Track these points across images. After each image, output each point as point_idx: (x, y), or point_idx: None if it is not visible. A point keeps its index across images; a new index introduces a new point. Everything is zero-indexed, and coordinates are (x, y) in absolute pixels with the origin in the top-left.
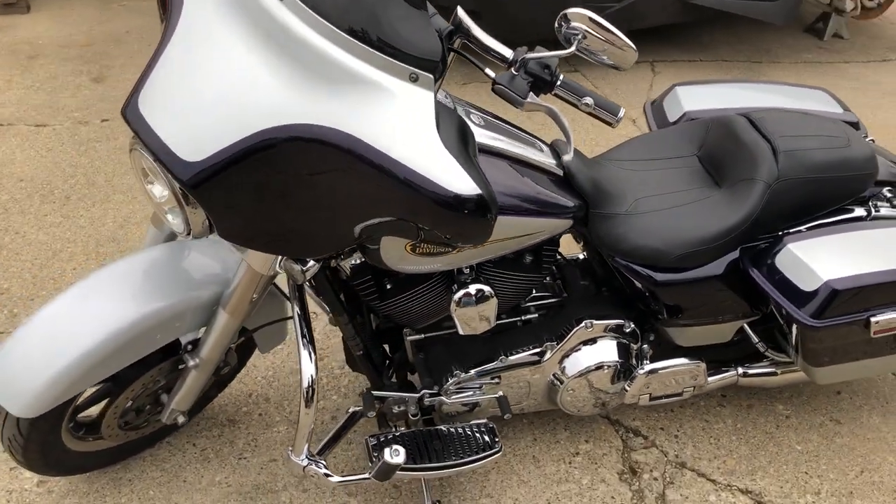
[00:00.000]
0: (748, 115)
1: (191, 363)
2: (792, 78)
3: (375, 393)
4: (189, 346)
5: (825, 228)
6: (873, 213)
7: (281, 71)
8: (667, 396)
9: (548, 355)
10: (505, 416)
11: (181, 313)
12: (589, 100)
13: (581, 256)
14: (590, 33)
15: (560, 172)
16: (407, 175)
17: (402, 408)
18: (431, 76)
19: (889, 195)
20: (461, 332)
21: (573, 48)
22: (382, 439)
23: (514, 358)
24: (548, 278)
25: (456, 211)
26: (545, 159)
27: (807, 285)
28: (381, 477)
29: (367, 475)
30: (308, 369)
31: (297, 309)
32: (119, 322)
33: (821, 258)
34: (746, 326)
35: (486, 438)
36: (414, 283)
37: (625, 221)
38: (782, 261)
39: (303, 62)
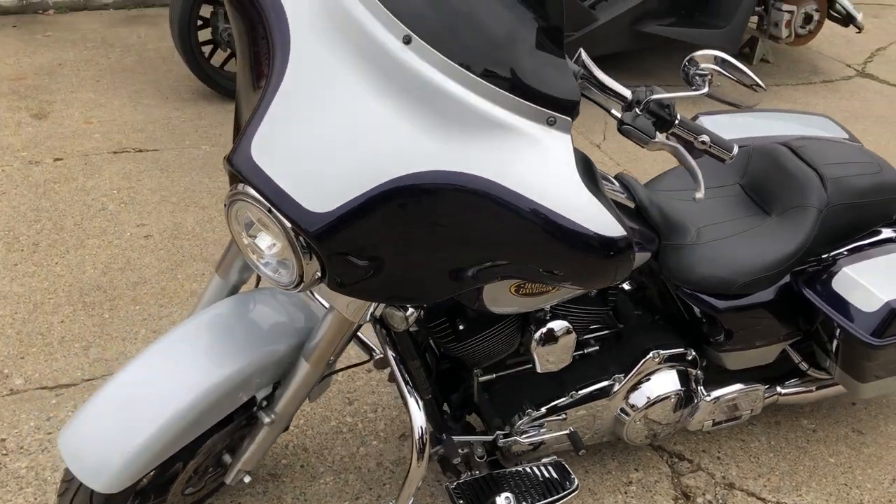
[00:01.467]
0: (788, 144)
1: (266, 419)
2: None
3: (456, 438)
4: (264, 402)
5: (870, 251)
6: None
7: (410, 116)
8: (727, 420)
9: (616, 388)
10: (580, 453)
11: (262, 369)
12: (706, 137)
13: (626, 286)
14: (719, 72)
15: (632, 205)
16: (552, 219)
17: (465, 450)
18: (569, 119)
19: None
20: (539, 369)
21: (706, 90)
22: (465, 485)
23: (583, 392)
24: None
25: (603, 254)
26: (621, 193)
27: (867, 306)
28: None
29: None
30: (418, 419)
31: (393, 355)
32: (201, 386)
33: (877, 280)
34: (788, 347)
35: (560, 475)
36: (489, 322)
37: (692, 252)
38: (840, 283)
39: (434, 107)
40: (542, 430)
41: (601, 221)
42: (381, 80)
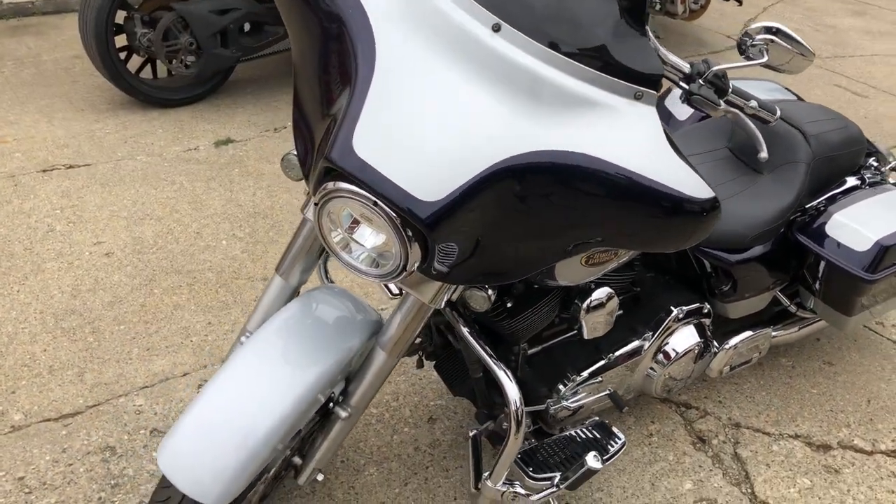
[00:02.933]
0: None
1: (343, 414)
2: None
3: (527, 408)
4: (340, 398)
5: (851, 197)
6: (867, 180)
7: (506, 100)
8: (741, 365)
9: (646, 346)
10: (623, 411)
11: (342, 367)
12: (753, 102)
13: None
14: (775, 43)
15: None
16: (652, 187)
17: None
18: (654, 92)
19: (874, 164)
20: (586, 336)
21: (765, 59)
22: (527, 453)
23: (617, 354)
24: None
25: (697, 216)
26: None
27: (859, 246)
28: (575, 485)
29: (556, 488)
30: (514, 393)
31: (471, 335)
32: (293, 394)
33: (864, 222)
34: (778, 292)
35: (605, 434)
36: (536, 297)
37: None
38: (833, 228)
39: (528, 90)
40: (583, 395)
41: (694, 185)
42: (473, 69)
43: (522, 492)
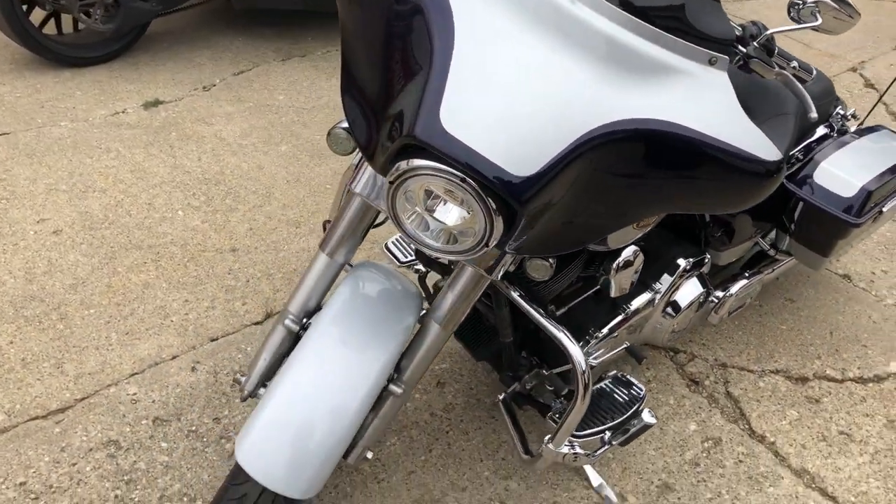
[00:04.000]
0: None
1: (398, 391)
2: None
3: (556, 371)
4: (394, 375)
5: (833, 145)
6: (835, 128)
7: (589, 68)
8: (736, 309)
9: (657, 299)
10: (641, 363)
11: (404, 346)
12: (795, 63)
13: None
14: (825, 3)
15: None
16: (730, 151)
17: (533, 383)
18: (727, 57)
19: (840, 112)
20: (614, 294)
21: (819, 21)
22: (559, 412)
23: (632, 308)
24: None
25: (768, 177)
26: None
27: (846, 192)
28: (629, 441)
29: (610, 445)
30: (579, 355)
31: (525, 301)
32: (366, 383)
33: (848, 169)
34: (759, 238)
35: (627, 386)
36: (568, 259)
37: None
38: (820, 176)
39: (610, 57)
40: (603, 351)
41: (766, 147)
42: (555, 37)
43: (583, 451)
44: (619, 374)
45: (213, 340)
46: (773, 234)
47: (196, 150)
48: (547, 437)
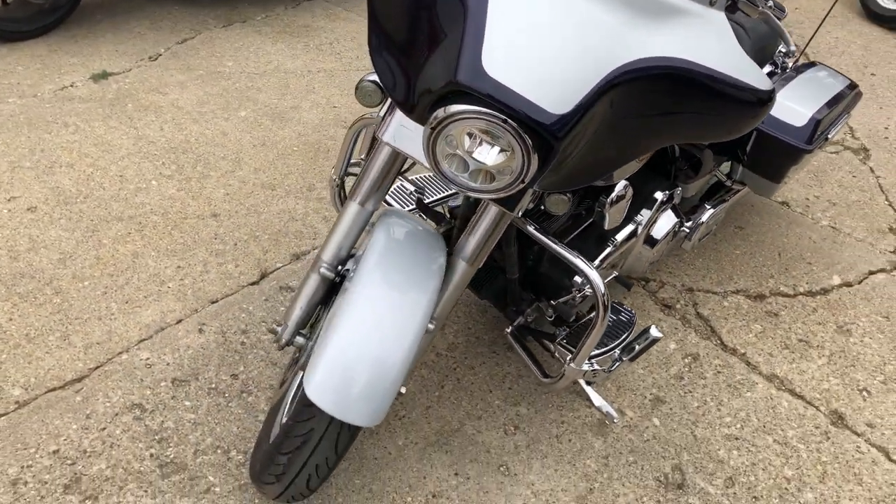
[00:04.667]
0: None
1: (430, 327)
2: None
3: (561, 300)
4: None
5: (780, 82)
6: (779, 65)
7: (611, 11)
8: (705, 236)
9: (639, 230)
10: (630, 290)
11: (439, 284)
12: (770, 2)
13: None
14: None
15: None
16: (735, 84)
17: (535, 316)
18: None
19: (782, 50)
20: (608, 227)
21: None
22: (569, 338)
23: (619, 240)
24: None
25: (763, 106)
26: None
27: (797, 121)
28: (638, 356)
29: (621, 360)
30: (597, 280)
31: (543, 234)
32: (416, 318)
33: (798, 101)
34: (717, 170)
35: (617, 310)
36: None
37: None
38: (776, 109)
39: (631, 1)
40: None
41: (760, 78)
42: None
43: (600, 367)
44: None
45: (213, 303)
46: (727, 166)
47: (156, 121)
48: (568, 358)
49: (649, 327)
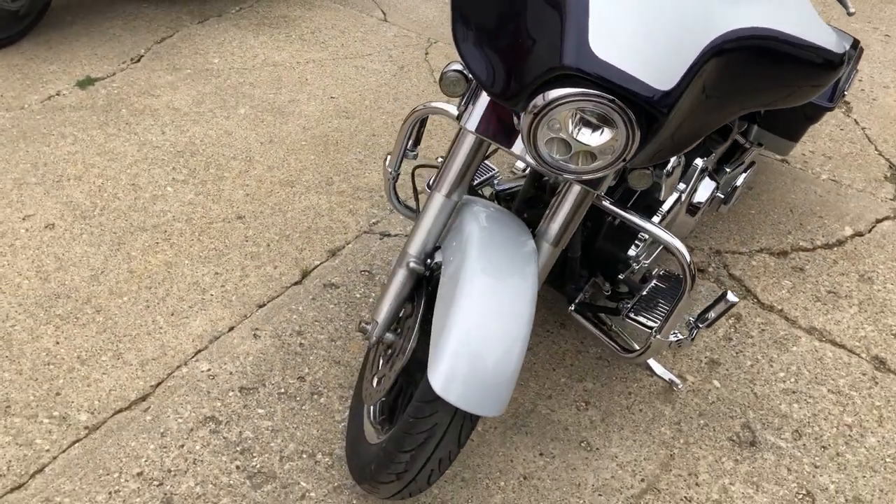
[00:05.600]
0: None
1: None
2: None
3: (621, 277)
4: None
5: None
6: None
7: None
8: (737, 198)
9: (682, 198)
10: None
11: (537, 268)
12: None
13: None
14: None
15: None
16: (819, 50)
17: (590, 291)
18: None
19: None
20: (663, 197)
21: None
22: (638, 305)
23: (665, 210)
24: None
25: (838, 69)
26: None
27: None
28: (714, 322)
29: (698, 328)
30: (685, 251)
31: (625, 210)
32: (526, 301)
33: None
34: (739, 136)
35: (671, 278)
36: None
37: None
38: None
39: None
40: (647, 253)
41: (835, 41)
42: None
43: (683, 336)
44: (663, 271)
45: (261, 306)
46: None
47: (155, 124)
48: (653, 330)
49: (725, 293)
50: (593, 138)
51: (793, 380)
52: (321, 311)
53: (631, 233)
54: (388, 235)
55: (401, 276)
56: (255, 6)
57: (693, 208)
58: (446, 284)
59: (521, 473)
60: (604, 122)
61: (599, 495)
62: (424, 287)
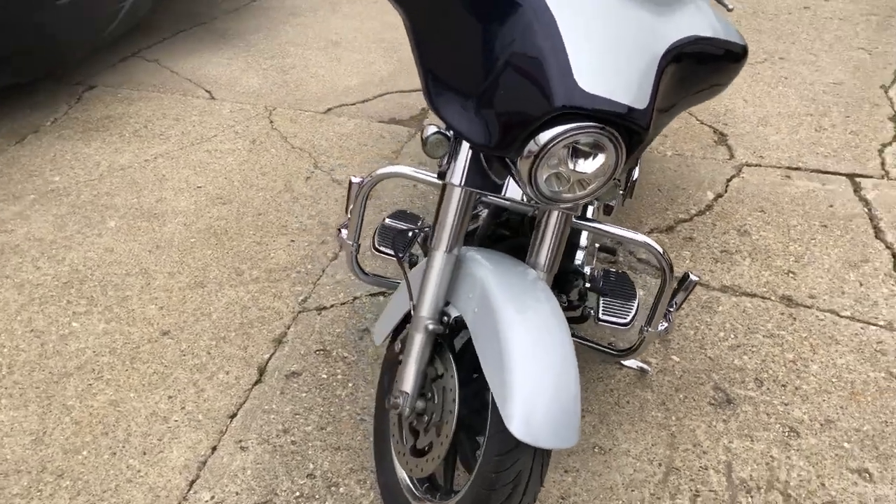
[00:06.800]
0: None
1: None
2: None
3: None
4: None
5: None
6: None
7: (645, 11)
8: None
9: (597, 203)
10: (615, 255)
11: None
12: None
13: None
14: None
15: None
16: (728, 45)
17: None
18: None
19: None
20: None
21: None
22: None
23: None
24: None
25: (745, 57)
26: None
27: None
28: (684, 301)
29: (674, 309)
30: (657, 246)
31: (600, 222)
32: (565, 336)
33: None
34: None
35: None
36: None
37: None
38: None
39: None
40: (591, 259)
41: (737, 36)
42: None
43: (668, 323)
44: (602, 272)
45: (232, 417)
46: None
47: (25, 261)
48: (642, 324)
49: (687, 274)
50: (588, 165)
51: (732, 336)
52: (296, 403)
53: (572, 244)
54: (325, 308)
55: (420, 341)
56: (71, 113)
57: (608, 209)
58: (485, 335)
59: (557, 496)
60: (594, 148)
61: (633, 491)
62: (445, 344)
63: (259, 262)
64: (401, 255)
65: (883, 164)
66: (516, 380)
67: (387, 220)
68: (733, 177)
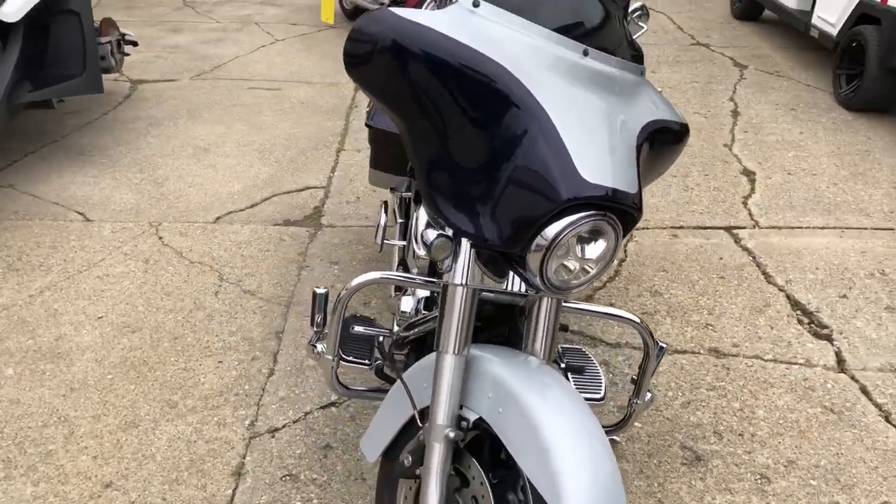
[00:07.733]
0: None
1: None
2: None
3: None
4: None
5: None
6: None
7: (616, 101)
8: None
9: None
10: (567, 330)
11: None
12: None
13: None
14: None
15: None
16: (677, 124)
17: None
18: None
19: None
20: None
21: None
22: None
23: None
24: None
25: (688, 134)
26: None
27: None
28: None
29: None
30: (640, 321)
31: (584, 303)
32: (593, 419)
33: None
34: None
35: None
36: None
37: None
38: None
39: (620, 86)
40: None
41: (678, 114)
42: (592, 86)
43: (651, 394)
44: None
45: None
46: None
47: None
48: (631, 397)
49: (657, 344)
50: (595, 250)
51: (680, 393)
52: None
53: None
54: (278, 429)
55: (440, 451)
56: None
57: None
58: (517, 433)
59: None
60: (594, 234)
61: None
62: (465, 452)
63: (190, 389)
64: (368, 364)
65: (751, 214)
66: (571, 481)
67: (355, 328)
68: (628, 241)
